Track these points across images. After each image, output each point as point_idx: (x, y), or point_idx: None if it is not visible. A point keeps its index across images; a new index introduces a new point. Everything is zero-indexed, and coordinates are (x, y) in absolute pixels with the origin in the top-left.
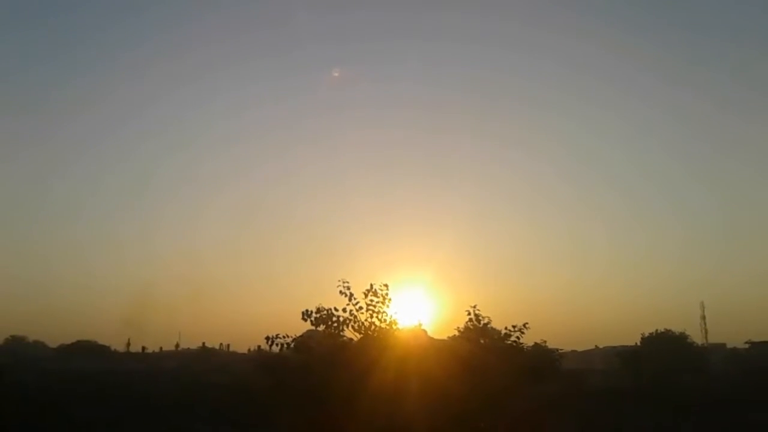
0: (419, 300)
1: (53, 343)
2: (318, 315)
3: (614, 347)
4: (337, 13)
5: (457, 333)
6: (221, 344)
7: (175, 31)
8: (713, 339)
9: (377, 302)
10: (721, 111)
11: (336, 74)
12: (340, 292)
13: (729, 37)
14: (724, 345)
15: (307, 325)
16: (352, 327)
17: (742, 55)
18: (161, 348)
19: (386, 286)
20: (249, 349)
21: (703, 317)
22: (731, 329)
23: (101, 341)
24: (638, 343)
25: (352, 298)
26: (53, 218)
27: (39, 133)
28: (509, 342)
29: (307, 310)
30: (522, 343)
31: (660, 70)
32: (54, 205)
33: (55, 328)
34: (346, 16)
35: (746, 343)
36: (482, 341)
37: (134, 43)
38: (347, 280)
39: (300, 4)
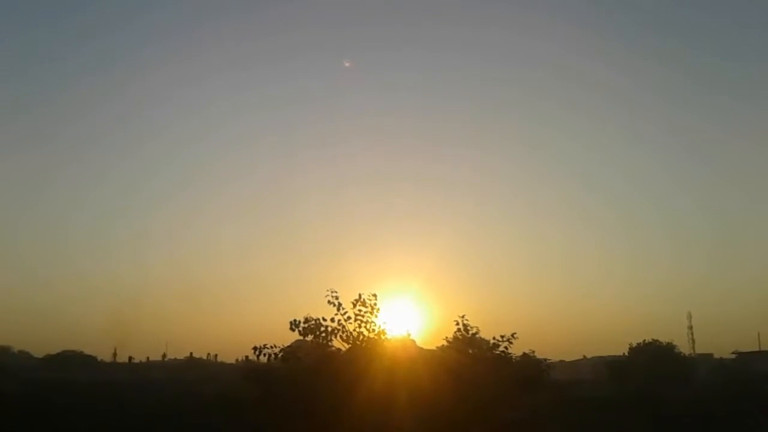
0: (408, 310)
1: (39, 353)
2: (306, 325)
3: (602, 357)
4: (339, 22)
5: (445, 343)
6: (209, 354)
7: (178, 35)
8: (700, 349)
9: (366, 312)
10: (712, 127)
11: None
12: (329, 301)
13: (724, 56)
14: (711, 355)
15: (295, 335)
16: (341, 337)
17: (736, 73)
18: (148, 358)
19: (375, 296)
20: (237, 360)
21: (691, 327)
22: (718, 340)
23: (87, 351)
24: (626, 353)
25: (341, 308)
26: (40, 224)
27: (31, 137)
28: (498, 352)
29: (295, 320)
30: (510, 353)
31: (655, 85)
32: (41, 211)
33: (40, 337)
34: (348, 25)
35: (733, 353)
36: (471, 351)
37: (134, 46)
38: (336, 289)
39: (305, 12)
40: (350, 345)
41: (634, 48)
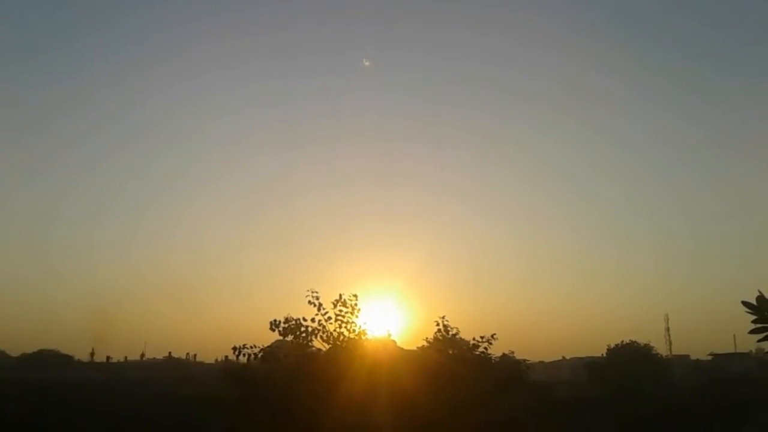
0: (389, 310)
1: (15, 352)
2: (286, 325)
3: (581, 358)
4: (340, 23)
5: (426, 344)
6: (188, 354)
7: (171, 31)
8: (677, 351)
9: (346, 312)
10: (700, 135)
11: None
12: (309, 302)
13: (718, 66)
14: (687, 356)
15: (275, 336)
16: (321, 337)
17: (726, 84)
18: (126, 358)
19: (355, 296)
20: (216, 360)
21: (668, 329)
22: (695, 341)
23: (64, 350)
24: (604, 354)
25: (321, 308)
26: (18, 220)
27: (14, 132)
28: (477, 353)
29: (275, 320)
30: (490, 354)
31: (646, 92)
32: (21, 207)
33: (16, 336)
34: (349, 26)
35: (709, 354)
36: (451, 352)
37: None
38: (316, 289)
39: (305, 10)
40: (330, 345)
41: (629, 55)
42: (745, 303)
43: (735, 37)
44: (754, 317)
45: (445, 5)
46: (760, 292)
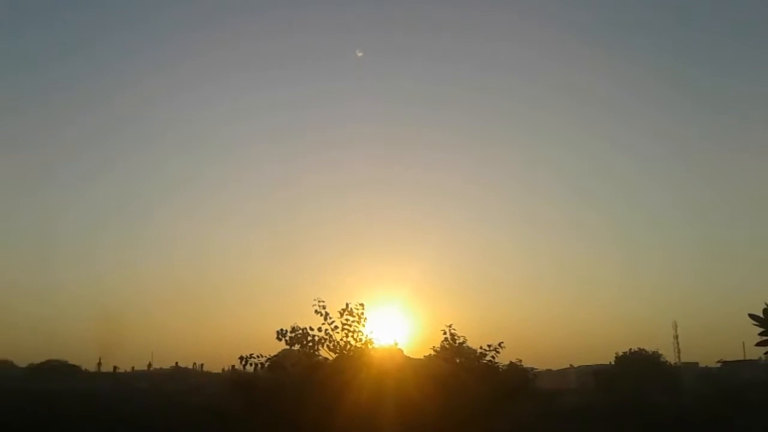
0: (395, 319)
1: (22, 362)
2: (293, 334)
3: (589, 366)
4: (340, 27)
5: (432, 352)
6: (194, 364)
7: (174, 38)
8: (686, 358)
9: (353, 321)
10: (704, 139)
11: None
12: (316, 311)
13: (722, 71)
14: (696, 364)
15: (282, 345)
16: (328, 346)
17: (728, 85)
18: (133, 368)
19: (362, 305)
20: (223, 369)
21: (676, 337)
22: (704, 349)
23: (72, 361)
24: (612, 362)
25: (328, 318)
26: (24, 230)
27: (18, 139)
28: (485, 361)
29: (281, 330)
30: (497, 363)
31: (644, 93)
32: (26, 216)
33: (24, 346)
34: (350, 30)
35: (718, 362)
36: (458, 360)
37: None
38: (323, 299)
39: (306, 16)
40: (337, 355)
41: (632, 61)
42: (752, 315)
43: (736, 38)
44: (761, 329)
45: (445, 11)
46: (766, 304)
